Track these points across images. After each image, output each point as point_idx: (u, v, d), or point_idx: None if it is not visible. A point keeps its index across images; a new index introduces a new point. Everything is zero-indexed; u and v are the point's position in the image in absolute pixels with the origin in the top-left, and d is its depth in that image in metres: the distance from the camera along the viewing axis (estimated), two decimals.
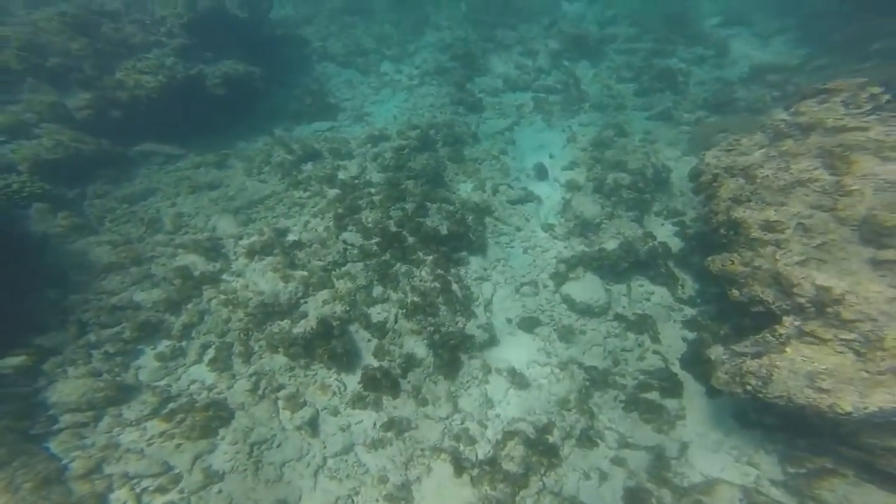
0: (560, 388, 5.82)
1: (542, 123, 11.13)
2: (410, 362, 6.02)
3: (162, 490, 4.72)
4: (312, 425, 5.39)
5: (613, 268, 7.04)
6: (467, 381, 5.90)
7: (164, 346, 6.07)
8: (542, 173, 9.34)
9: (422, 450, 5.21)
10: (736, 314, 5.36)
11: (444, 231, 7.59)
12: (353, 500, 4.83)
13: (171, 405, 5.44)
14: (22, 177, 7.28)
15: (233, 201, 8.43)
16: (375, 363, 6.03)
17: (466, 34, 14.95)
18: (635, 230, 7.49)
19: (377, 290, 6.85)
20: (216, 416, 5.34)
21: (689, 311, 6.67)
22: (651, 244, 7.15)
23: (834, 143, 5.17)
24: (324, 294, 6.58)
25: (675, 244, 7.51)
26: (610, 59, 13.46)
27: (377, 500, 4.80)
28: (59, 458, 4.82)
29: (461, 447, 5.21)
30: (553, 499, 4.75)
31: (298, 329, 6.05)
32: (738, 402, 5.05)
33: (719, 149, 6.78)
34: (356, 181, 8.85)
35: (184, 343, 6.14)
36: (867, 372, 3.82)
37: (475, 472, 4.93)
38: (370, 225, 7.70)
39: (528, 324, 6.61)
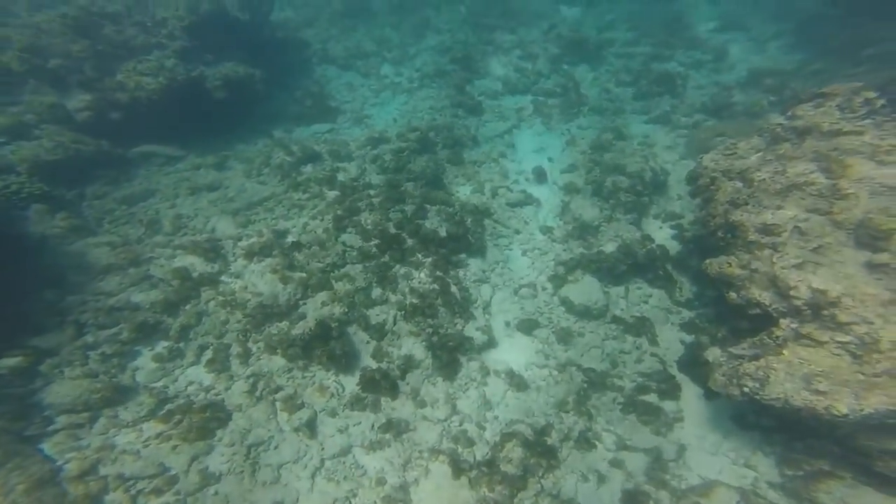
0: (558, 390, 5.82)
1: (541, 126, 11.18)
2: (409, 364, 6.02)
3: (157, 492, 4.70)
4: (310, 427, 5.38)
5: (612, 270, 7.06)
6: (466, 383, 5.90)
7: (161, 347, 6.06)
8: (541, 176, 9.38)
9: (420, 451, 5.20)
10: (733, 317, 5.38)
11: (443, 233, 7.61)
12: (350, 502, 4.81)
13: (169, 406, 5.43)
14: (21, 178, 7.28)
15: (232, 203, 8.44)
16: (374, 365, 6.03)
17: (466, 37, 15.03)
18: (633, 233, 7.52)
19: (376, 292, 6.86)
20: (213, 417, 5.33)
21: (687, 314, 6.69)
22: (649, 247, 7.18)
23: (829, 146, 5.22)
24: (322, 296, 6.58)
25: (673, 247, 7.54)
26: (609, 62, 13.54)
27: (375, 502, 4.79)
28: (53, 459, 4.80)
29: (459, 449, 5.21)
30: (551, 501, 4.75)
31: (297, 330, 6.05)
32: (736, 404, 5.07)
33: (717, 152, 6.82)
34: (356, 183, 8.88)
35: (181, 344, 6.13)
36: (863, 374, 3.84)
37: (473, 473, 4.92)
38: (369, 227, 7.72)
39: (527, 326, 6.62)
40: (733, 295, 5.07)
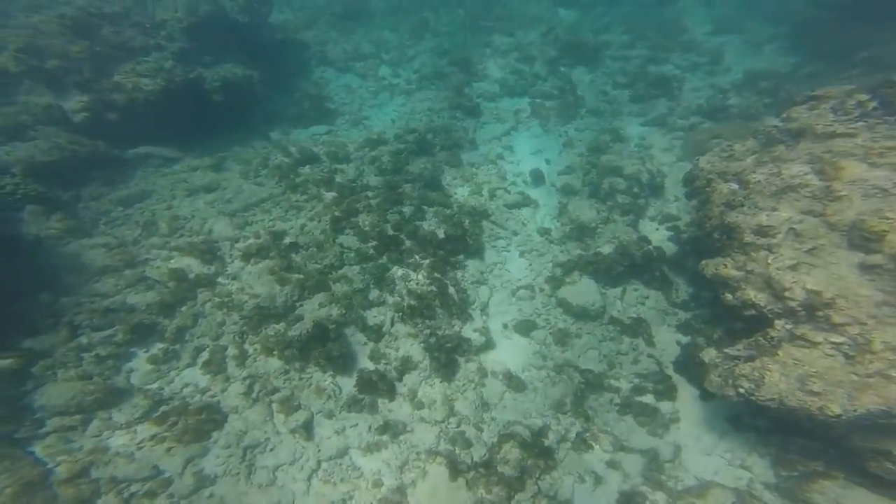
0: (556, 391, 5.83)
1: (538, 128, 11.23)
2: (406, 365, 6.02)
3: (151, 494, 4.66)
4: (307, 428, 5.36)
5: (609, 272, 7.09)
6: (463, 385, 5.90)
7: (157, 348, 6.03)
8: (538, 178, 9.41)
9: (417, 453, 5.19)
10: (729, 318, 5.41)
11: (441, 235, 7.62)
12: None
13: (163, 408, 5.40)
14: (15, 178, 7.26)
15: (229, 204, 8.42)
16: (371, 366, 6.02)
17: (464, 40, 15.09)
18: (630, 234, 7.55)
19: (374, 294, 6.86)
20: (209, 419, 5.31)
21: (683, 315, 6.71)
22: (646, 248, 7.21)
23: (823, 149, 5.27)
24: (320, 297, 6.57)
25: (670, 248, 7.57)
26: (605, 65, 13.62)
27: None
28: (44, 462, 4.76)
29: (457, 450, 5.20)
30: (548, 502, 4.75)
31: (294, 332, 6.04)
32: (732, 405, 5.08)
33: (713, 154, 6.87)
34: (354, 185, 8.88)
35: (177, 346, 6.11)
36: (856, 375, 3.87)
37: (471, 475, 4.91)
38: (367, 228, 7.72)
39: (525, 327, 6.62)
40: (729, 296, 5.09)
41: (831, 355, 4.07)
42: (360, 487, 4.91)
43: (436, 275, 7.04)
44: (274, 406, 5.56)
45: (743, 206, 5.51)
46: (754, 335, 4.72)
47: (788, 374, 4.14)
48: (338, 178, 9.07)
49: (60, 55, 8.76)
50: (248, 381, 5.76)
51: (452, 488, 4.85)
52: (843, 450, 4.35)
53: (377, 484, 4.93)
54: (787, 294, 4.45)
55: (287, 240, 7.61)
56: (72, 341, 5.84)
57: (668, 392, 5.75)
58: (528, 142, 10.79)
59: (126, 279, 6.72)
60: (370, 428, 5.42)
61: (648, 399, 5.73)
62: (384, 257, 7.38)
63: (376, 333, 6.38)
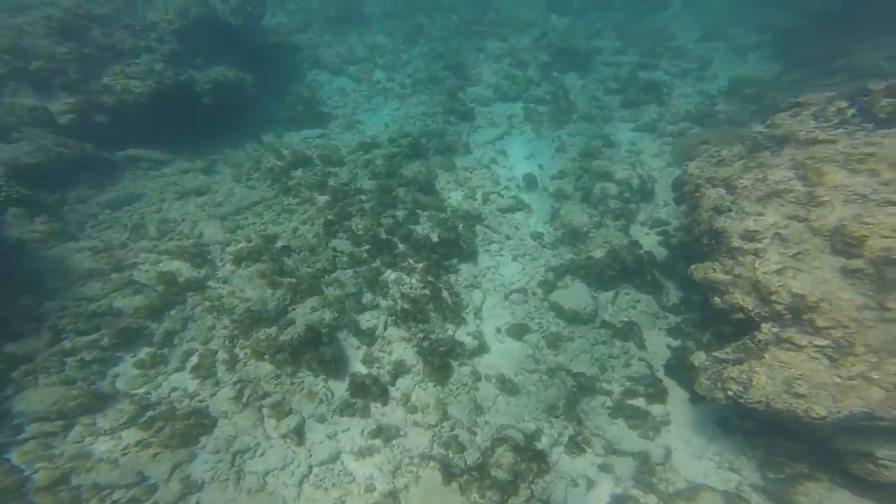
0: (548, 394, 5.85)
1: (531, 133, 11.33)
2: (400, 369, 6.00)
3: (135, 501, 4.56)
4: (298, 433, 5.30)
5: (600, 276, 7.16)
6: (457, 388, 5.89)
7: (144, 353, 5.93)
8: (531, 182, 9.49)
9: (410, 457, 5.16)
10: (718, 321, 5.49)
11: (434, 238, 7.63)
12: None
13: (150, 413, 5.30)
14: None
15: (220, 207, 8.34)
16: (364, 370, 5.99)
17: (458, 44, 15.21)
18: (622, 239, 7.64)
19: (367, 297, 6.83)
20: (198, 424, 5.22)
21: (674, 319, 6.80)
22: (637, 253, 7.30)
23: (806, 155, 5.40)
24: (312, 301, 6.53)
25: (660, 253, 7.68)
26: (597, 71, 13.82)
27: None
28: (20, 469, 4.63)
29: (450, 454, 5.18)
30: None
31: (286, 336, 5.99)
32: (721, 407, 5.15)
33: (701, 160, 7.01)
34: (347, 188, 8.86)
35: (165, 350, 6.01)
36: (839, 377, 3.95)
37: (464, 479, 4.90)
38: (360, 232, 7.70)
39: (518, 331, 6.65)
40: (718, 300, 5.18)
41: (816, 358, 4.16)
42: (353, 492, 4.86)
43: (429, 278, 7.04)
44: (265, 411, 5.49)
45: (730, 210, 5.62)
46: (742, 338, 4.80)
47: (775, 376, 4.21)
48: (331, 182, 9.04)
49: (46, 56, 8.63)
50: (238, 386, 5.68)
51: (446, 492, 4.84)
52: (827, 452, 4.43)
53: (369, 489, 4.89)
54: (773, 298, 4.54)
55: (279, 243, 7.55)
56: (55, 346, 5.71)
57: (658, 395, 5.81)
58: (521, 146, 10.89)
59: (113, 283, 6.60)
60: (363, 432, 5.39)
61: (640, 402, 5.78)
62: (377, 261, 7.36)
63: (369, 337, 6.35)
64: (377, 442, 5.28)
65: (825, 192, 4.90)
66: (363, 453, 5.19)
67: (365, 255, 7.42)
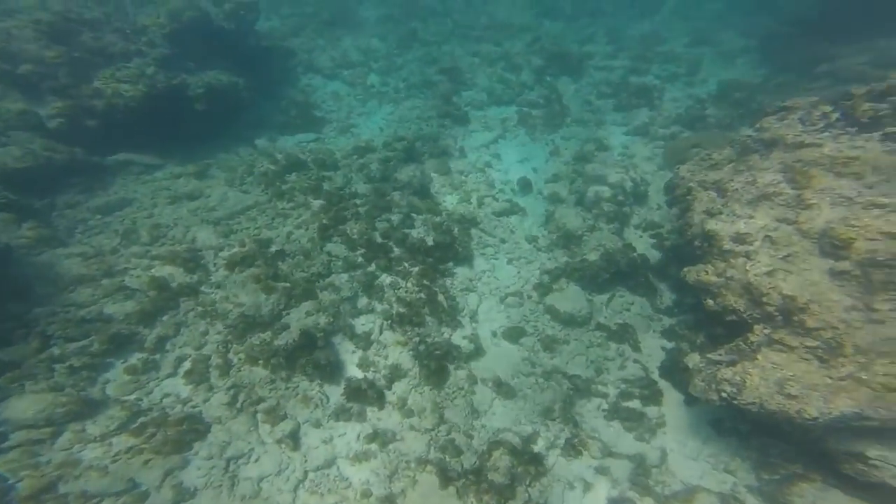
0: (544, 397, 5.86)
1: (525, 137, 11.42)
2: (396, 373, 5.97)
3: None
4: (293, 438, 5.26)
5: (595, 279, 7.21)
6: (453, 392, 5.88)
7: (135, 359, 5.84)
8: (526, 186, 9.55)
9: (407, 462, 5.14)
10: (711, 323, 5.55)
11: (430, 242, 7.64)
12: None
13: (142, 419, 5.22)
14: None
15: (213, 212, 8.28)
16: (360, 374, 5.95)
17: (452, 49, 15.31)
18: (615, 242, 7.70)
19: (362, 301, 6.81)
20: (191, 429, 5.15)
21: (668, 321, 6.86)
22: (631, 256, 7.36)
23: (794, 158, 5.50)
24: (307, 305, 6.49)
25: (654, 256, 7.76)
26: (590, 75, 13.98)
27: None
28: (4, 477, 4.53)
29: (447, 458, 5.16)
30: None
31: (280, 341, 5.94)
32: (715, 409, 5.20)
33: (692, 163, 7.11)
34: (341, 192, 8.84)
35: (157, 356, 5.93)
36: (830, 378, 4.01)
37: (461, 482, 4.88)
38: (355, 236, 7.69)
39: (513, 334, 6.66)
40: (710, 302, 5.24)
41: (807, 359, 4.22)
42: (349, 498, 4.82)
43: (425, 282, 7.04)
44: (259, 416, 5.44)
45: (721, 213, 5.70)
46: (735, 340, 4.86)
47: (768, 377, 4.27)
48: (325, 186, 9.02)
49: (35, 60, 8.51)
50: (232, 391, 5.62)
51: (443, 497, 4.81)
52: (820, 452, 4.48)
53: (366, 494, 4.85)
54: (764, 299, 4.61)
55: (273, 248, 7.50)
56: (43, 352, 5.60)
57: (654, 397, 5.85)
58: (515, 150, 10.96)
59: (104, 289, 6.51)
60: (358, 437, 5.35)
61: (635, 404, 5.81)
62: (373, 265, 7.35)
63: (365, 341, 6.33)
64: (373, 447, 5.25)
65: (813, 195, 5.00)
66: (359, 458, 5.15)
67: (360, 259, 7.40)
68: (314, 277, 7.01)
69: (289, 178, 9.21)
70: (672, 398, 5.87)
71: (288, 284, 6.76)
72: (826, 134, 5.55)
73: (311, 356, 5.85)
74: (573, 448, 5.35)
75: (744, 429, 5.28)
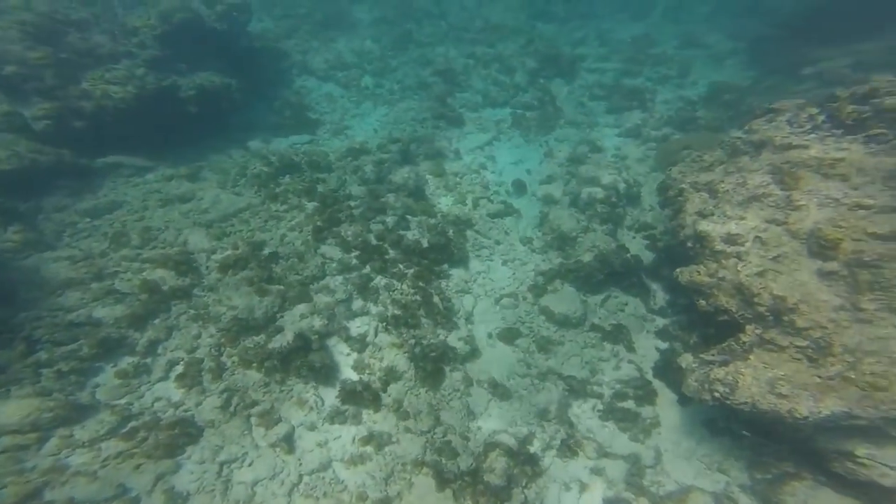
0: (540, 398, 5.88)
1: (519, 139, 11.47)
2: (391, 375, 5.95)
3: None
4: (288, 441, 5.21)
5: (589, 280, 7.25)
6: (449, 394, 5.87)
7: (126, 363, 5.75)
8: (520, 187, 9.58)
9: (403, 464, 5.11)
10: (703, 323, 5.61)
11: (425, 244, 7.63)
12: None
13: (132, 424, 5.15)
14: None
15: (206, 214, 8.19)
16: (355, 376, 5.92)
17: (447, 50, 15.34)
18: (609, 243, 7.76)
19: (357, 304, 6.78)
20: (183, 433, 5.08)
21: (661, 321, 6.92)
22: (624, 256, 7.42)
23: (782, 159, 5.59)
24: (301, 308, 6.44)
25: (647, 256, 7.82)
26: (582, 77, 14.10)
27: None
28: None
29: (443, 460, 5.15)
30: None
31: (274, 344, 5.89)
32: (708, 408, 5.25)
33: (684, 165, 7.19)
34: (336, 194, 8.80)
35: (149, 359, 5.85)
36: (819, 377, 4.07)
37: (457, 485, 4.87)
38: (350, 238, 7.65)
39: (509, 335, 6.67)
40: (703, 302, 5.29)
41: (797, 359, 4.28)
42: (344, 501, 4.78)
43: (420, 284, 7.02)
44: (253, 419, 5.38)
45: (713, 215, 5.77)
46: (727, 340, 4.91)
47: (759, 377, 4.32)
48: (319, 188, 8.97)
49: (19, 61, 8.35)
50: (225, 395, 5.55)
51: (439, 499, 4.80)
52: (810, 451, 4.54)
53: (362, 497, 4.82)
54: (756, 300, 4.67)
55: (267, 250, 7.44)
56: (29, 357, 5.49)
57: (648, 397, 5.89)
58: (509, 152, 11.00)
59: (93, 292, 6.40)
60: (354, 440, 5.32)
61: (629, 405, 5.85)
62: (367, 267, 7.32)
63: (360, 344, 6.29)
64: (369, 449, 5.22)
65: (801, 197, 5.08)
66: (355, 461, 5.12)
67: (355, 261, 7.36)
68: (308, 280, 6.97)
69: (282, 180, 9.15)
70: (666, 398, 5.92)
71: (282, 287, 6.71)
72: (813, 136, 5.65)
73: (306, 359, 5.81)
74: (569, 449, 5.36)
75: (736, 428, 5.33)
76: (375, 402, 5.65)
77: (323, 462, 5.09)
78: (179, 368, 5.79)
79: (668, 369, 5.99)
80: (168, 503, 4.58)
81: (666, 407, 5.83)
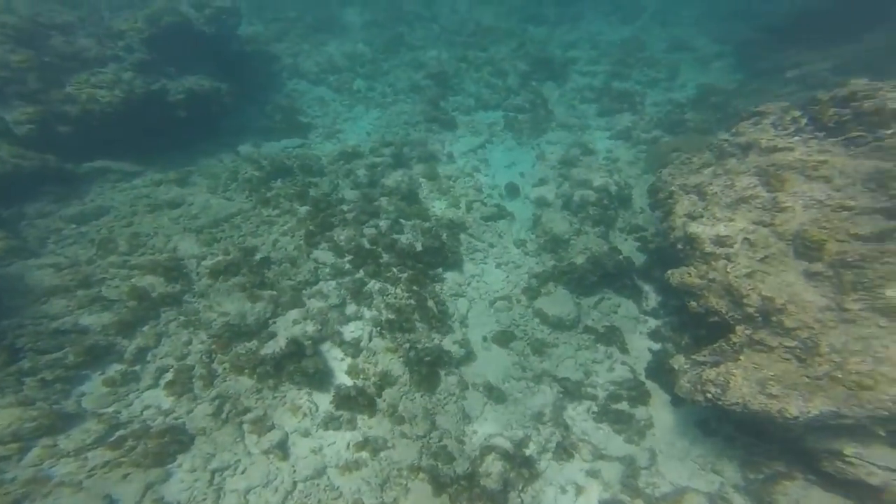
0: (535, 401, 5.89)
1: (512, 141, 11.53)
2: (386, 380, 5.92)
3: None
4: (281, 448, 5.15)
5: (582, 282, 7.30)
6: (444, 398, 5.85)
7: (114, 370, 5.64)
8: (513, 191, 9.63)
9: (399, 469, 5.08)
10: (695, 325, 5.67)
11: (419, 247, 7.62)
12: None
13: (120, 432, 5.05)
14: None
15: (196, 220, 8.08)
16: (349, 382, 5.87)
17: (439, 54, 15.38)
18: (602, 245, 7.82)
19: (351, 308, 6.73)
20: (173, 441, 4.99)
21: (654, 322, 6.99)
22: (617, 258, 7.49)
23: (768, 162, 5.70)
24: (294, 313, 6.38)
25: (639, 258, 7.91)
26: (573, 80, 14.24)
27: None
28: None
29: (439, 465, 5.13)
30: None
31: (267, 350, 5.82)
32: (701, 409, 5.30)
33: (674, 167, 7.29)
34: (328, 198, 8.75)
35: (137, 367, 5.74)
36: (808, 377, 4.15)
37: (454, 489, 4.85)
38: (343, 242, 7.61)
39: (503, 338, 6.68)
40: (694, 304, 5.36)
41: (787, 359, 4.35)
42: None
43: (414, 288, 7.01)
44: (245, 426, 5.31)
45: (702, 216, 5.85)
46: (718, 341, 4.98)
47: (750, 378, 4.38)
48: (312, 192, 8.92)
49: (0, 65, 8.18)
50: (216, 402, 5.47)
51: None
52: (800, 451, 4.60)
53: (357, 503, 4.78)
54: (745, 301, 4.74)
55: (258, 256, 7.36)
56: (11, 366, 5.36)
57: (642, 398, 5.94)
58: (502, 155, 11.05)
59: (79, 300, 6.27)
60: (349, 445, 5.27)
61: (624, 406, 5.89)
62: (361, 271, 7.28)
63: (354, 348, 6.25)
64: (364, 455, 5.18)
65: (787, 198, 5.18)
66: (350, 467, 5.07)
67: (348, 265, 7.32)
68: (301, 285, 6.91)
69: (274, 185, 9.07)
70: (659, 399, 5.97)
71: (274, 292, 6.64)
72: (797, 138, 5.77)
73: (300, 364, 5.75)
74: (564, 451, 5.38)
75: (728, 428, 5.39)
76: (370, 407, 5.61)
77: (317, 468, 5.04)
78: (169, 375, 5.69)
79: (660, 370, 6.04)
80: None
81: (659, 408, 5.89)
